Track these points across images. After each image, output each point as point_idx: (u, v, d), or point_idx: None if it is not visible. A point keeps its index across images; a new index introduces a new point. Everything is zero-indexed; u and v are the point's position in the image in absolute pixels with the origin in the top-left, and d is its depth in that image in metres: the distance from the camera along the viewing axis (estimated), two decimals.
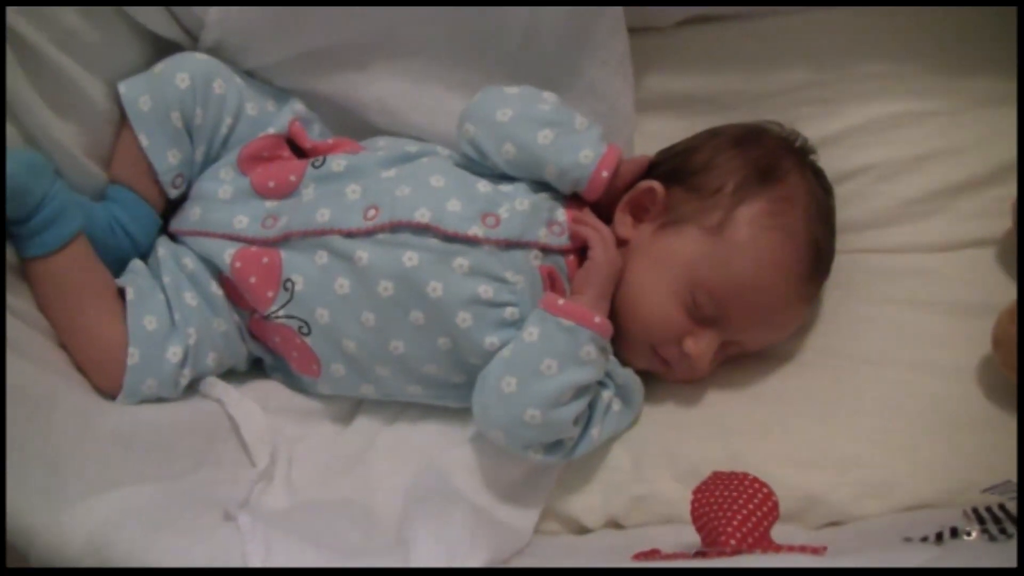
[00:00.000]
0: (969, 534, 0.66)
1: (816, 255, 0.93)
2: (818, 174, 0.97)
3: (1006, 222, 0.96)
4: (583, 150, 0.91)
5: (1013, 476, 0.80)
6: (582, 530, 0.90)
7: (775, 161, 0.93)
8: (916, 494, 0.85)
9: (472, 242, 0.88)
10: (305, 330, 0.91)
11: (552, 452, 0.87)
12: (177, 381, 0.88)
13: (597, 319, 0.86)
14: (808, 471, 0.87)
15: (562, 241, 0.92)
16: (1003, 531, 0.67)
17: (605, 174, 0.92)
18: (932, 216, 1.02)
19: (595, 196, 0.93)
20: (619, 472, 0.91)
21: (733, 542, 0.70)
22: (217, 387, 0.92)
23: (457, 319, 0.87)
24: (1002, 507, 0.75)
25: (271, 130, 0.98)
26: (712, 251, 0.90)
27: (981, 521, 0.72)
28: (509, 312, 0.88)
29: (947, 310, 0.97)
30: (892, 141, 1.03)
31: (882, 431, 0.89)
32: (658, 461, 0.90)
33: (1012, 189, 0.96)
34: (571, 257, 0.93)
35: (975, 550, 0.64)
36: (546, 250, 0.91)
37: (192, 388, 0.92)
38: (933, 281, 0.99)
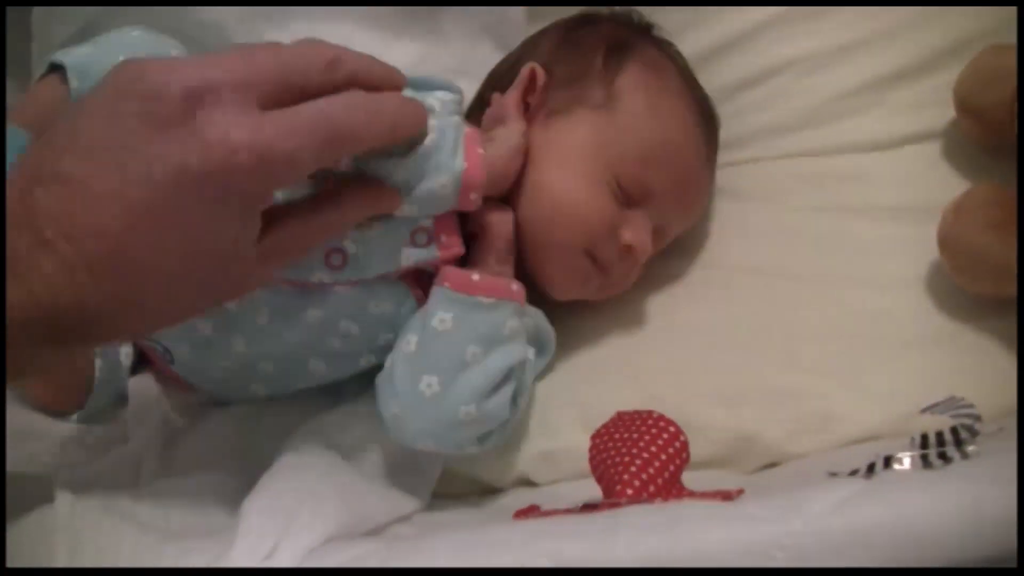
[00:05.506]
0: (901, 462, 0.55)
1: (706, 112, 0.87)
2: (666, 42, 0.89)
3: (947, 112, 0.85)
4: (437, 178, 0.71)
5: (973, 397, 0.69)
6: (490, 491, 0.79)
7: (622, 35, 0.85)
8: (861, 425, 0.73)
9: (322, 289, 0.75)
10: (168, 359, 0.79)
11: (487, 439, 0.75)
12: None
13: (514, 286, 0.75)
14: (737, 408, 0.75)
15: (431, 254, 0.75)
16: (943, 456, 0.56)
17: (474, 196, 0.73)
18: (865, 111, 0.90)
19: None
20: (523, 425, 0.79)
21: (630, 491, 0.60)
22: None
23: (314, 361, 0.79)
24: (954, 431, 0.64)
25: None
26: (614, 125, 0.80)
27: (925, 447, 0.61)
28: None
29: (887, 215, 0.84)
30: (814, 30, 0.92)
31: (819, 356, 0.77)
32: (566, 411, 0.79)
33: (950, 76, 0.84)
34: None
35: (896, 482, 0.53)
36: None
37: None
38: (870, 184, 0.87)
